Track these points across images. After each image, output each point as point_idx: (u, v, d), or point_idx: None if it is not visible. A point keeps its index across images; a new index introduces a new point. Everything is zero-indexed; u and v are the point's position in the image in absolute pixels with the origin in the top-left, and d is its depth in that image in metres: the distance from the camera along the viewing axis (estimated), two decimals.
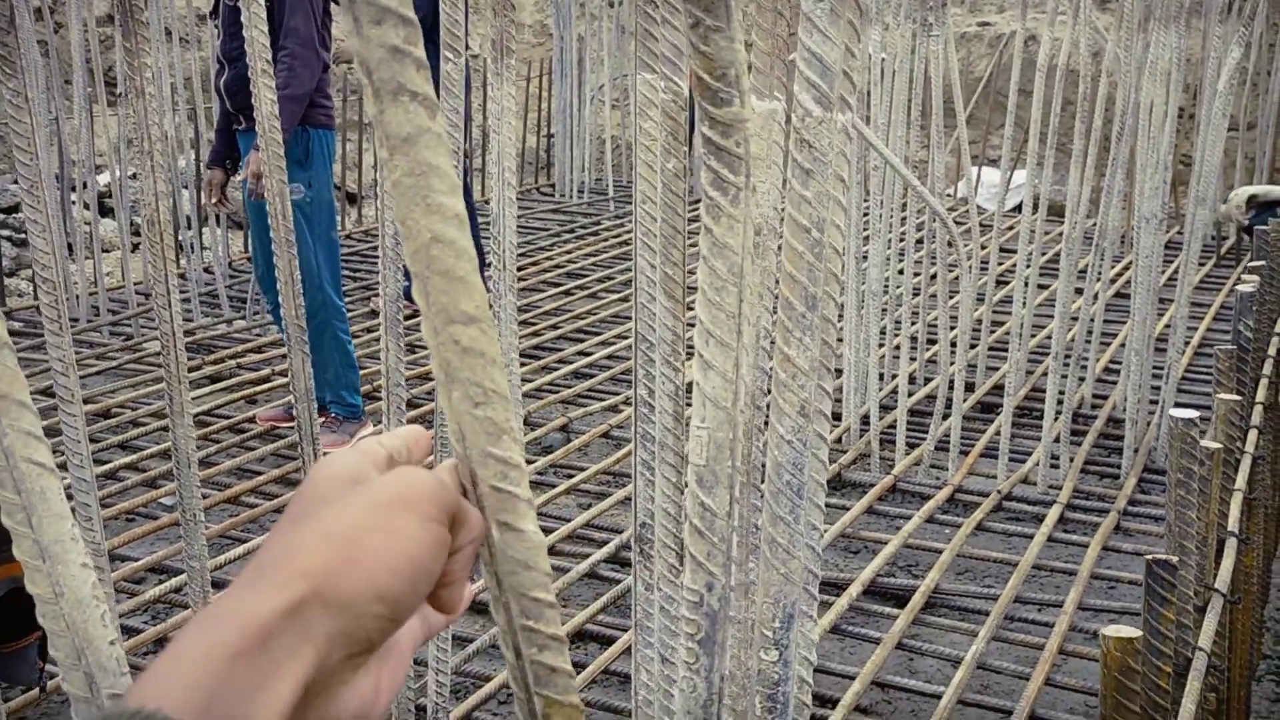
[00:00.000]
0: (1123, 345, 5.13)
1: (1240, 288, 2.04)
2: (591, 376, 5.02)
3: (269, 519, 3.71)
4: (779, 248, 1.04)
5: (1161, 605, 1.19)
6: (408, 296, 5.30)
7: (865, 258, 4.26)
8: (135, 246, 6.21)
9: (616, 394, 4.83)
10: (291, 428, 4.40)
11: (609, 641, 3.00)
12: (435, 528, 0.51)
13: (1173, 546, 1.32)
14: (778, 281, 1.05)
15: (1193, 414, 1.42)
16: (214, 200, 4.30)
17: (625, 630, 3.01)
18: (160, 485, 3.88)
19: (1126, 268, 6.18)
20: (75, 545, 0.75)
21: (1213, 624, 1.46)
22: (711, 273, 0.81)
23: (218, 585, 3.02)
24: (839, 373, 4.76)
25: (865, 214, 4.35)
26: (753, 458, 1.08)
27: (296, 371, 1.87)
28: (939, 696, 2.69)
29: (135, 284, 5.71)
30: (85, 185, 5.78)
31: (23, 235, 6.56)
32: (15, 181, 7.55)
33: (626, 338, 5.63)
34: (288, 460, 4.11)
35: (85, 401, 4.51)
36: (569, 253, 7.01)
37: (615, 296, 6.15)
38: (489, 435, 0.68)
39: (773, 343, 1.05)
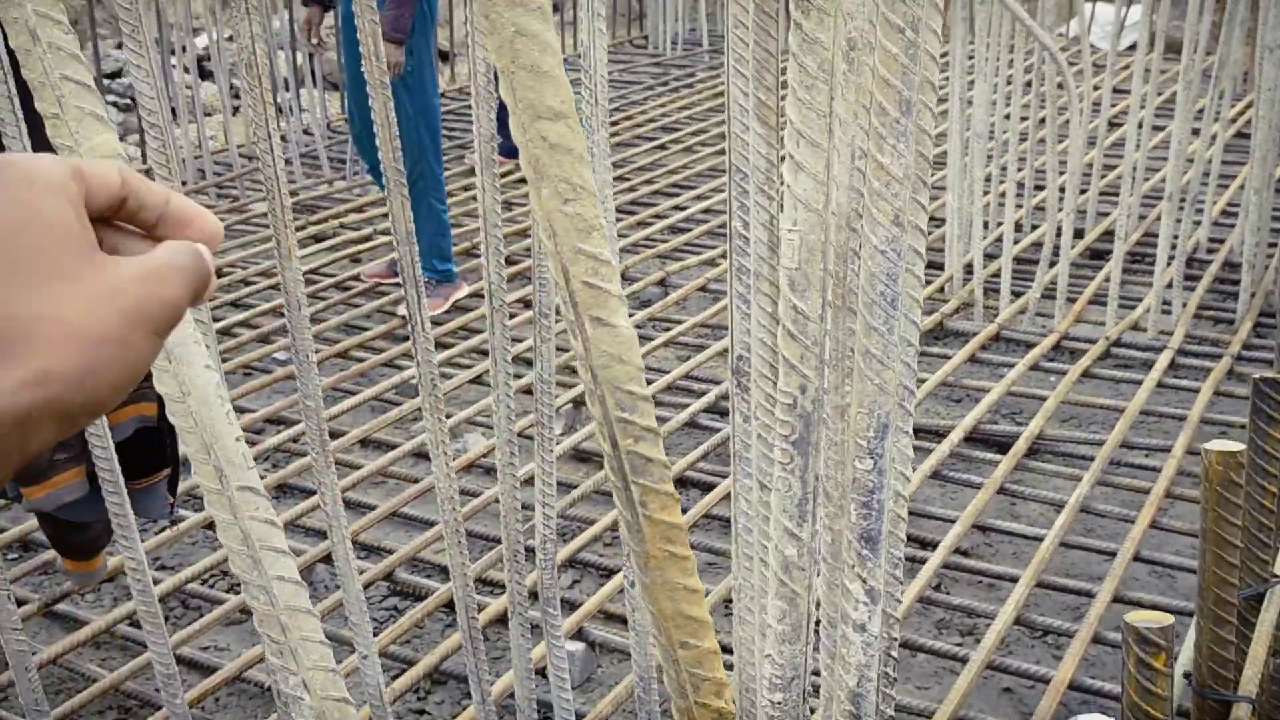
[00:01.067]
0: (1241, 187, 4.91)
1: None
2: (687, 231, 5.00)
3: (377, 372, 3.82)
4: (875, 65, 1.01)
5: (1268, 424, 1.16)
6: (503, 153, 5.27)
7: (970, 101, 4.11)
8: (236, 110, 6.29)
9: (713, 248, 4.81)
10: (395, 283, 4.49)
11: (709, 488, 3.05)
12: (157, 343, 0.45)
13: None
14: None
15: None
16: (314, 41, 4.36)
17: (724, 477, 3.05)
18: (273, 340, 4.00)
19: (1248, 107, 5.87)
20: (198, 348, 0.78)
21: None
22: (801, 70, 0.79)
23: (334, 435, 3.14)
24: (941, 221, 4.66)
25: (970, 54, 4.19)
26: (848, 280, 1.07)
27: (397, 216, 1.89)
28: (1040, 539, 2.69)
29: (238, 146, 5.81)
30: (184, 49, 5.85)
31: (127, 100, 6.68)
32: (118, 46, 7.60)
33: (723, 190, 5.57)
34: (392, 315, 4.20)
35: None
36: (663, 106, 6.91)
37: (710, 150, 6.06)
38: (579, 231, 0.68)
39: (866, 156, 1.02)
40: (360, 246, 4.85)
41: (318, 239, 4.95)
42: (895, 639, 1.08)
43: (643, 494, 0.68)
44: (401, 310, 4.19)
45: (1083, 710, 2.20)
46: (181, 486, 2.45)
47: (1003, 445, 3.18)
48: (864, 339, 0.94)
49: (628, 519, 0.71)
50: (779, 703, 0.85)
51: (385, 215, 5.12)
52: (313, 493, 3.01)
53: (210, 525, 2.96)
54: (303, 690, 0.73)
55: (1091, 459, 3.05)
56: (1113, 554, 2.62)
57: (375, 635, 2.47)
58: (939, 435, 3.21)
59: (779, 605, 0.83)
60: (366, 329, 4.12)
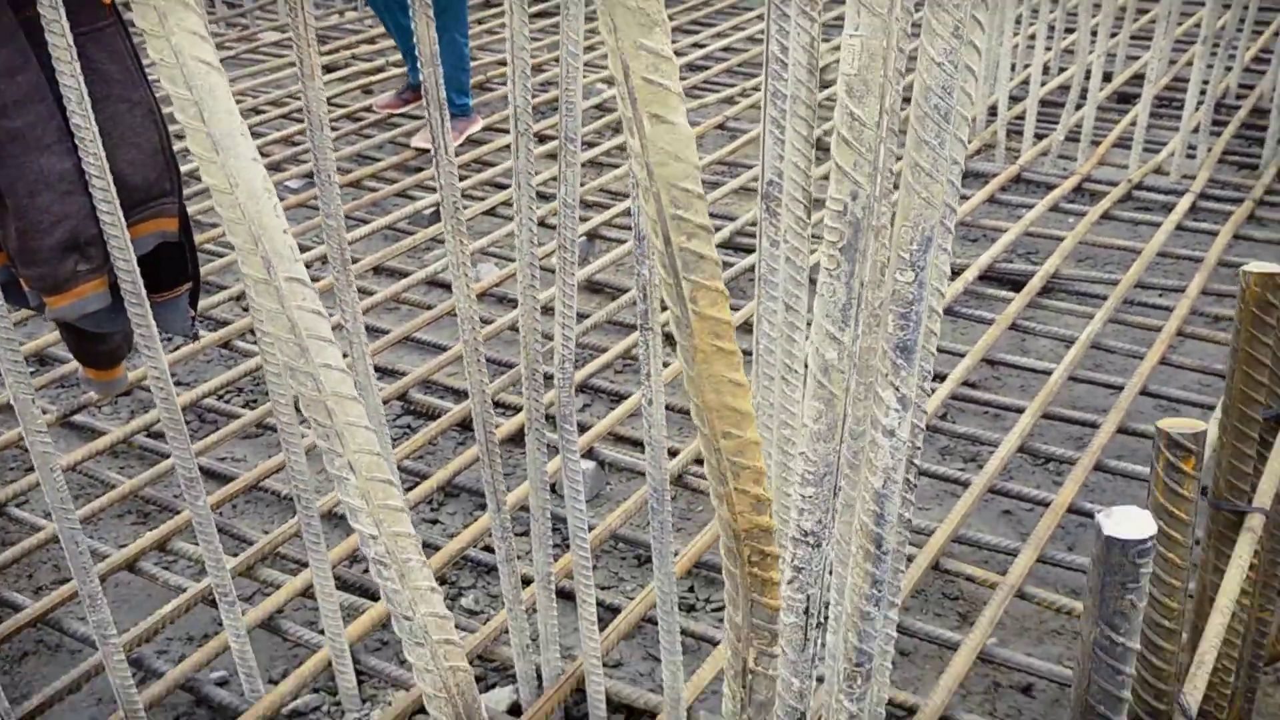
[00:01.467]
0: (1276, 34, 4.79)
1: None
2: (706, 69, 4.90)
3: (390, 202, 3.80)
4: None
5: None
6: None
7: None
8: None
9: (730, 85, 4.72)
10: (406, 114, 4.42)
11: None
12: None
13: None
14: None
15: None
16: None
17: (738, 308, 3.07)
18: (284, 169, 3.97)
19: None
20: (245, 140, 0.78)
21: None
22: None
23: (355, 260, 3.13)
24: None
25: None
26: (890, 100, 1.06)
27: (422, 38, 1.84)
28: (1049, 373, 2.72)
29: None
30: None
31: None
32: None
33: (744, 28, 5.44)
34: (404, 147, 4.16)
35: None
36: None
37: None
38: (641, 26, 0.67)
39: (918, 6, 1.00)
40: (373, 78, 4.76)
41: (329, 69, 4.86)
42: (919, 448, 1.10)
43: (693, 290, 0.69)
44: (415, 142, 4.14)
45: (1080, 532, 2.26)
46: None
47: (1016, 284, 3.18)
48: (913, 153, 0.93)
49: (677, 315, 0.72)
50: (809, 496, 0.87)
51: (397, 47, 5.01)
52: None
53: (225, 344, 2.99)
54: (349, 471, 0.76)
55: (1105, 298, 3.06)
56: (1120, 388, 2.65)
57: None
58: (953, 273, 3.21)
59: (815, 405, 0.85)
60: (379, 159, 4.08)
